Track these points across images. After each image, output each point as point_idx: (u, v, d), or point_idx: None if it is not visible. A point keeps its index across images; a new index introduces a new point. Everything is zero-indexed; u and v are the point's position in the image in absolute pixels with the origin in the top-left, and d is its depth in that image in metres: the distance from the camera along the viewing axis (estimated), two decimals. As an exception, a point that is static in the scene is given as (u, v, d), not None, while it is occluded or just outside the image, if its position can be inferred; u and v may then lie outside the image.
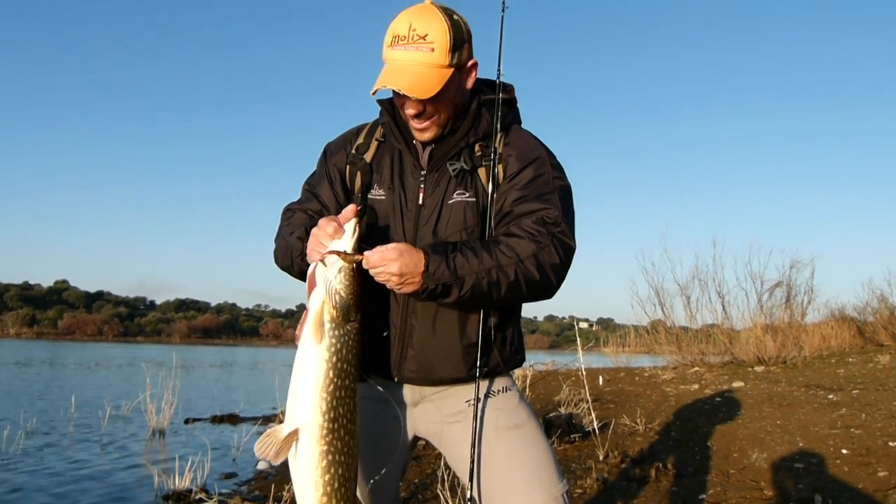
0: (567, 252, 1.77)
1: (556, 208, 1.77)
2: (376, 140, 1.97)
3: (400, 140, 1.92)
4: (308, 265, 1.73)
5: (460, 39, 1.79)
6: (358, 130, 2.02)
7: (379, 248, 1.66)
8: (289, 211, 2.01)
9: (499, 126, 1.88)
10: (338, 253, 1.66)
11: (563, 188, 1.85)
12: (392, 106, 1.95)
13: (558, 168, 1.89)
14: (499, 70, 1.93)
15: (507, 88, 1.96)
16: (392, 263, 1.65)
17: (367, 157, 1.95)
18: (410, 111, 1.81)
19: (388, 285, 1.68)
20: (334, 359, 1.64)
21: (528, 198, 1.79)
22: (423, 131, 1.86)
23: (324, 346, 1.63)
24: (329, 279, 1.65)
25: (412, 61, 1.74)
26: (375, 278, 1.67)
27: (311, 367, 1.63)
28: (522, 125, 1.98)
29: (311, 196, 1.99)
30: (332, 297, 1.64)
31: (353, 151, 1.97)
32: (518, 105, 1.99)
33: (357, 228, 1.70)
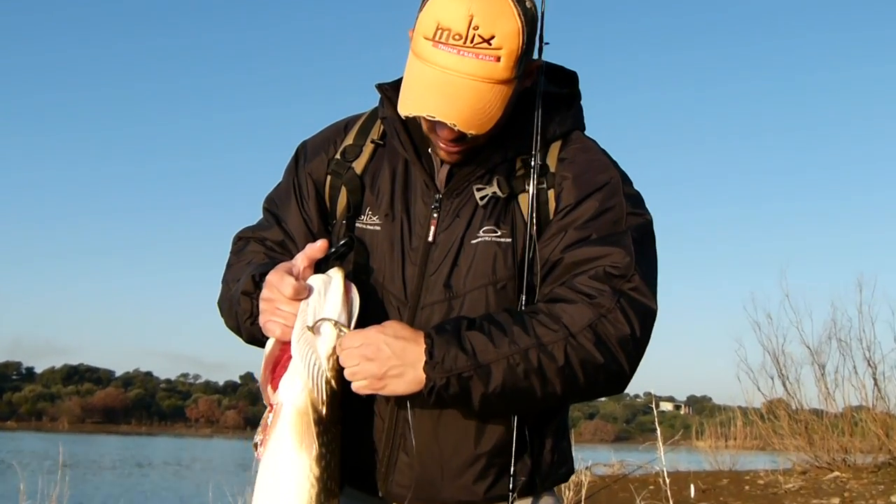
0: (644, 317, 1.73)
1: (627, 253, 1.75)
2: (372, 142, 1.96)
3: (408, 146, 1.89)
4: (261, 332, 1.75)
5: (533, 39, 1.78)
6: (346, 125, 2.01)
7: (359, 333, 1.68)
8: (240, 241, 2.01)
9: (538, 134, 1.85)
10: (332, 322, 1.69)
11: (640, 227, 1.82)
12: (399, 94, 1.86)
13: (635, 199, 1.86)
14: (540, 43, 1.88)
15: (569, 77, 1.95)
16: (369, 362, 1.66)
17: (358, 165, 1.94)
18: (446, 136, 1.78)
19: (360, 389, 1.68)
20: (324, 475, 1.66)
21: (588, 241, 1.78)
22: (453, 154, 1.85)
23: (308, 457, 1.65)
24: (315, 363, 1.68)
25: (468, 74, 1.68)
26: (345, 374, 1.69)
27: (288, 487, 1.64)
28: (586, 131, 1.97)
29: (273, 219, 1.98)
30: (319, 389, 1.67)
31: (338, 157, 1.96)
32: (581, 101, 1.98)
33: (345, 283, 1.73)
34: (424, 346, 1.64)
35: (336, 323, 1.68)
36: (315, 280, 1.71)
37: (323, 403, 1.66)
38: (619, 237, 1.78)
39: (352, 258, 1.85)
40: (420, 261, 1.84)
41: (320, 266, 1.78)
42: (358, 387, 1.68)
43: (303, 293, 1.68)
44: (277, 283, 1.69)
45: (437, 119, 1.68)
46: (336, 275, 1.71)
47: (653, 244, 1.85)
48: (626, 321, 1.71)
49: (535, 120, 1.85)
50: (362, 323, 1.72)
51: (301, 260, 1.73)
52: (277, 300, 1.69)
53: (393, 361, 1.64)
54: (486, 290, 1.80)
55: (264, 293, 1.72)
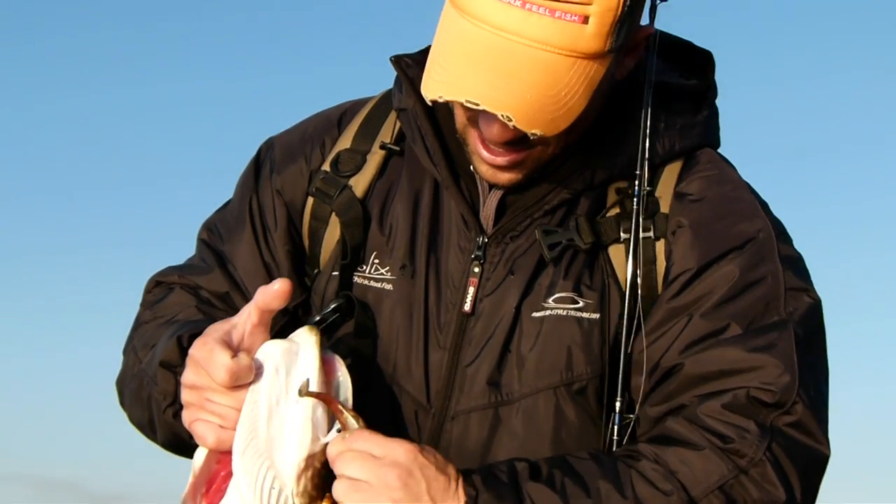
0: (808, 469, 1.35)
1: (787, 367, 1.34)
2: (382, 147, 1.52)
3: (439, 157, 1.45)
4: (187, 432, 1.33)
5: None
6: (341, 117, 1.59)
7: (383, 439, 1.28)
8: (158, 287, 1.59)
9: (646, 148, 1.42)
10: (311, 397, 1.28)
11: (806, 316, 1.39)
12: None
13: (798, 266, 1.44)
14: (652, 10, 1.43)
15: (699, 60, 1.51)
16: (386, 488, 1.25)
17: (359, 183, 1.52)
18: (495, 135, 1.34)
19: None
20: None
21: (723, 341, 1.36)
22: (502, 169, 1.40)
23: None
24: (273, 487, 1.27)
25: (536, 40, 1.25)
26: (336, 491, 1.29)
27: None
28: (720, 149, 1.52)
29: (213, 258, 1.56)
30: None
31: (327, 168, 1.53)
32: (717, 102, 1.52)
33: (323, 353, 1.31)
34: (464, 498, 1.26)
35: (330, 402, 1.28)
36: (271, 349, 1.30)
37: None
38: (775, 336, 1.35)
39: (346, 333, 1.47)
40: (452, 343, 1.43)
41: (286, 331, 1.36)
42: None
43: (246, 375, 1.26)
44: (205, 362, 1.26)
45: (481, 108, 1.25)
46: (306, 338, 1.31)
47: (823, 342, 1.43)
48: (778, 479, 1.31)
49: (641, 122, 1.42)
50: None
51: (247, 316, 1.30)
52: (207, 387, 1.27)
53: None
54: (556, 395, 1.40)
55: (187, 376, 1.29)
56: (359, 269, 1.48)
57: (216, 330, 1.29)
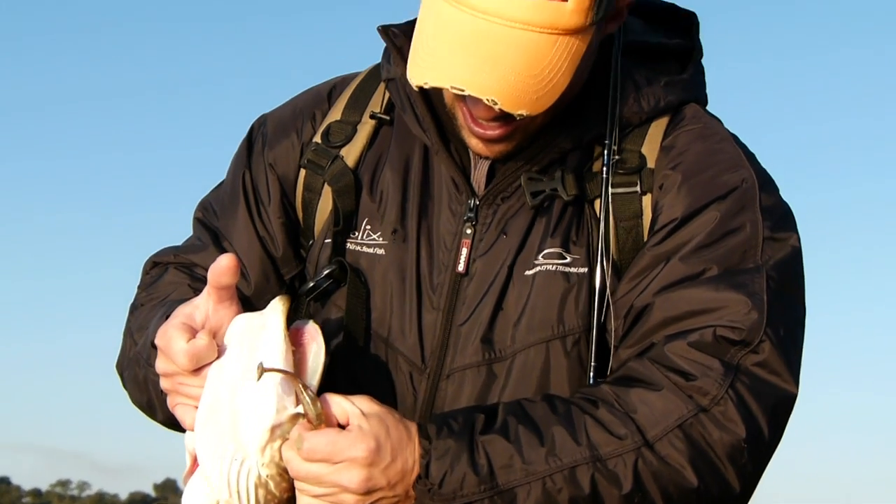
0: (774, 409, 1.34)
1: (755, 305, 1.34)
2: (373, 117, 1.55)
3: (428, 124, 1.48)
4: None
5: None
6: (331, 91, 1.61)
7: (325, 433, 1.26)
8: (155, 268, 1.60)
9: (618, 101, 1.45)
10: (271, 373, 1.25)
11: (781, 263, 1.40)
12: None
13: (779, 215, 1.45)
14: None
15: (683, 21, 1.53)
16: (352, 469, 1.26)
17: (350, 153, 1.54)
18: (482, 113, 1.37)
19: None
20: None
21: (696, 281, 1.37)
22: (492, 142, 1.42)
23: None
24: (238, 464, 1.26)
25: (518, 20, 1.27)
26: (295, 481, 1.29)
27: None
28: (708, 106, 1.54)
29: (209, 236, 1.57)
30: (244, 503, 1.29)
31: (318, 140, 1.55)
32: (702, 59, 1.54)
33: (287, 327, 1.29)
34: (419, 451, 1.28)
35: (289, 375, 1.24)
36: (237, 324, 1.29)
37: None
38: (747, 277, 1.36)
39: (340, 299, 1.47)
40: (445, 304, 1.45)
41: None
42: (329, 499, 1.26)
43: (207, 355, 1.27)
44: (166, 349, 1.28)
45: (467, 93, 1.28)
46: (273, 309, 1.29)
47: (799, 289, 1.43)
48: (740, 417, 1.31)
49: (612, 77, 1.44)
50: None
51: (206, 296, 1.30)
52: (176, 373, 1.29)
53: (388, 489, 1.27)
54: (548, 349, 1.41)
55: (158, 365, 1.31)
56: (351, 235, 1.50)
57: (177, 314, 1.31)
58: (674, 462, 1.30)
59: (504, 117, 1.35)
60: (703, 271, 1.37)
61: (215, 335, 1.29)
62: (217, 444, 1.28)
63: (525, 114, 1.30)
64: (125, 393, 1.56)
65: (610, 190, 1.42)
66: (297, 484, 1.28)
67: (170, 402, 1.35)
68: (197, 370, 1.28)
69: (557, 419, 1.32)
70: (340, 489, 1.25)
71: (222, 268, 1.27)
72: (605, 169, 1.43)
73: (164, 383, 1.34)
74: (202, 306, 1.30)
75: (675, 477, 1.30)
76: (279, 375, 1.26)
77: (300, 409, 1.26)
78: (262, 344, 1.27)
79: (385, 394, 1.42)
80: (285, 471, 1.28)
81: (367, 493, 1.26)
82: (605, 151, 1.43)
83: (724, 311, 1.33)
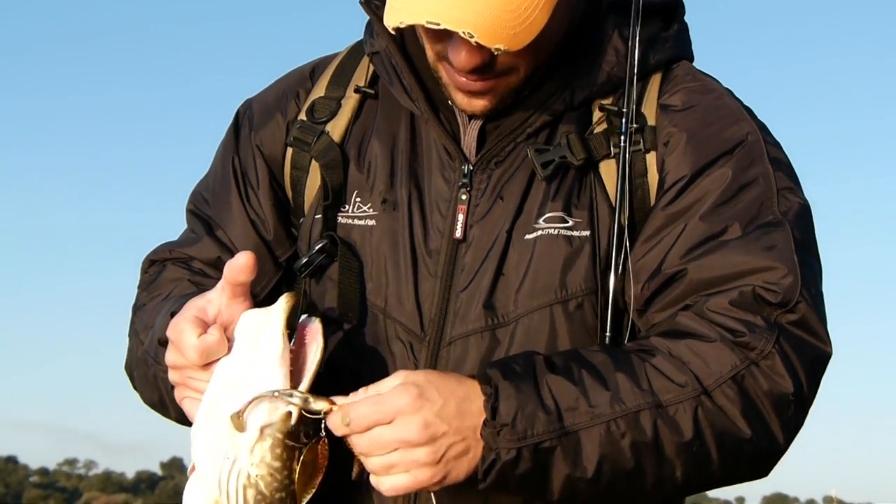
0: (813, 366, 1.35)
1: (789, 267, 1.35)
2: (357, 91, 1.54)
3: (416, 91, 1.46)
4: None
5: None
6: (313, 70, 1.61)
7: (367, 392, 1.26)
8: (153, 266, 1.61)
9: (635, 51, 1.43)
10: (283, 400, 1.24)
11: (799, 215, 1.41)
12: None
13: (784, 163, 1.45)
14: None
15: None
16: (407, 420, 1.23)
17: (336, 128, 1.52)
18: (462, 60, 1.33)
19: (396, 491, 1.27)
20: None
21: (725, 244, 1.37)
22: (477, 96, 1.40)
23: None
24: (231, 464, 1.24)
25: None
26: (361, 458, 1.28)
27: None
28: (695, 62, 1.53)
29: (202, 226, 1.57)
30: (233, 503, 1.26)
31: (303, 117, 1.54)
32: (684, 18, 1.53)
33: (288, 325, 1.27)
34: (484, 397, 1.26)
35: (281, 395, 1.22)
36: (244, 321, 1.28)
37: None
38: (774, 237, 1.36)
39: (334, 273, 1.46)
40: (443, 271, 1.43)
41: (278, 293, 1.39)
42: (394, 487, 1.23)
43: (217, 350, 1.26)
44: (177, 343, 1.28)
45: (442, 27, 1.24)
46: (276, 311, 1.26)
47: (816, 242, 1.43)
48: (787, 372, 1.31)
49: (630, 25, 1.43)
50: (353, 379, 1.30)
51: (220, 291, 1.30)
52: (185, 366, 1.29)
53: (452, 432, 1.24)
54: (552, 313, 1.40)
55: (168, 357, 1.32)
56: (341, 209, 1.49)
57: (190, 307, 1.30)
58: (729, 413, 1.30)
59: (484, 69, 1.33)
60: (724, 229, 1.36)
61: (227, 330, 1.28)
62: (213, 443, 1.27)
63: (503, 48, 1.26)
64: (136, 394, 1.56)
65: (629, 148, 1.41)
66: (369, 465, 1.25)
67: (177, 394, 1.35)
68: (206, 365, 1.28)
69: (619, 365, 1.31)
70: (405, 445, 1.22)
71: (240, 266, 1.26)
72: (623, 126, 1.41)
73: (172, 375, 1.34)
74: (215, 300, 1.29)
75: (730, 427, 1.30)
76: (275, 375, 1.25)
77: (291, 408, 1.24)
78: (263, 344, 1.26)
79: (384, 366, 1.41)
80: (276, 471, 1.25)
81: (432, 439, 1.22)
82: (624, 109, 1.41)
83: (761, 275, 1.33)
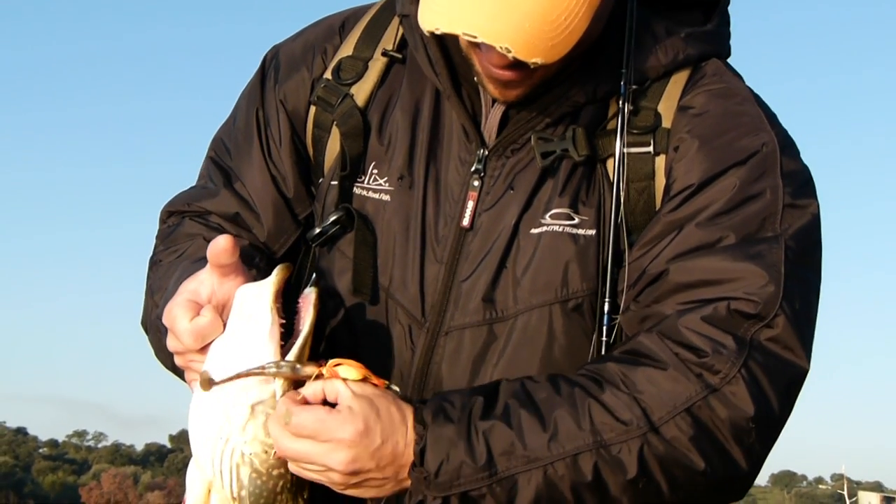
0: (786, 386, 1.31)
1: (771, 278, 1.30)
2: (384, 54, 1.51)
3: (441, 67, 1.43)
4: None
5: None
6: (343, 24, 1.57)
7: (314, 410, 1.25)
8: (172, 217, 1.59)
9: (630, 53, 1.41)
10: (270, 372, 1.24)
11: (801, 232, 1.36)
12: None
13: (800, 181, 1.39)
14: None
15: None
16: (337, 450, 1.23)
17: (360, 92, 1.50)
18: (496, 61, 1.32)
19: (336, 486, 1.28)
20: None
21: (712, 249, 1.33)
22: (510, 86, 1.37)
23: None
24: (225, 443, 1.24)
25: None
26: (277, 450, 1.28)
27: None
28: (730, 58, 1.47)
29: (221, 177, 1.55)
30: (227, 482, 1.26)
31: (329, 76, 1.51)
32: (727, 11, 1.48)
33: (278, 304, 1.27)
34: (414, 437, 1.26)
35: (278, 368, 1.23)
36: (238, 297, 1.28)
37: (235, 500, 1.26)
38: (765, 248, 1.32)
39: (348, 247, 1.45)
40: (448, 257, 1.41)
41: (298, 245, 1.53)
42: (314, 476, 1.26)
43: (211, 331, 1.27)
44: (172, 330, 1.29)
45: (479, 41, 1.23)
46: (267, 285, 1.27)
47: (816, 258, 1.39)
48: (750, 397, 1.27)
49: (627, 26, 1.40)
50: (351, 358, 1.28)
51: (208, 272, 1.30)
52: (185, 350, 1.30)
53: (376, 470, 1.25)
54: (551, 312, 1.38)
55: (169, 343, 1.32)
56: (358, 179, 1.47)
57: (182, 291, 1.30)
58: (680, 445, 1.26)
59: (519, 65, 1.29)
60: (719, 239, 1.32)
61: (223, 309, 1.28)
62: (208, 423, 1.26)
63: (539, 62, 1.24)
64: (151, 350, 1.54)
65: (625, 150, 1.38)
66: (284, 456, 1.27)
67: (187, 377, 1.35)
68: (206, 347, 1.28)
69: (560, 402, 1.28)
70: (325, 468, 1.24)
71: (219, 249, 1.26)
72: (620, 125, 1.38)
73: (177, 360, 1.35)
74: (206, 281, 1.29)
75: (682, 460, 1.26)
76: (265, 349, 1.24)
77: (276, 387, 1.25)
78: (253, 320, 1.26)
79: (382, 347, 1.40)
80: (271, 447, 1.26)
81: (353, 473, 1.24)
82: (619, 109, 1.38)
83: (740, 283, 1.30)
